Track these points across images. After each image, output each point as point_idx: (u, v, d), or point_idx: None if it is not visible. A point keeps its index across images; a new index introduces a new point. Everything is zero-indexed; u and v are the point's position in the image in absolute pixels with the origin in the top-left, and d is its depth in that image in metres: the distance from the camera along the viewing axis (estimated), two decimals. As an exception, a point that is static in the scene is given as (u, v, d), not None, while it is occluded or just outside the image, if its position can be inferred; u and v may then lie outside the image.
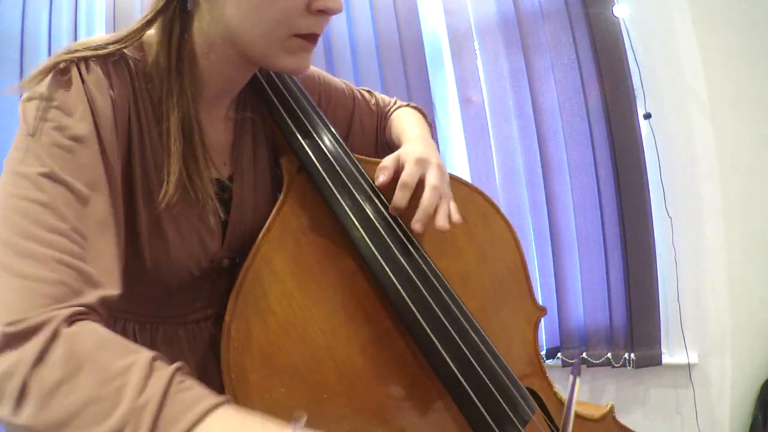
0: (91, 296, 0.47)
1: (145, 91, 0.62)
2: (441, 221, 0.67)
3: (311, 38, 0.62)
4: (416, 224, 0.67)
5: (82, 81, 0.55)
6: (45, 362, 0.42)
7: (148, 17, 0.60)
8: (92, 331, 0.45)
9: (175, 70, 0.61)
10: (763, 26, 1.78)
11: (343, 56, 1.86)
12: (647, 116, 1.78)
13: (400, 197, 0.68)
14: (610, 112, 1.78)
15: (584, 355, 1.84)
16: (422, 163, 0.70)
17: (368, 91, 0.94)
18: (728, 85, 1.79)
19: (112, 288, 0.50)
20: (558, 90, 1.81)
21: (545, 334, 1.88)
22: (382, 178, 0.70)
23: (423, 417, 0.67)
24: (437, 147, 0.89)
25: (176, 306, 0.71)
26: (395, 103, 0.95)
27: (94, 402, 0.40)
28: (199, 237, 0.67)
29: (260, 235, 0.65)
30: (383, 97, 0.95)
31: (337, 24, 1.86)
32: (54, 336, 0.43)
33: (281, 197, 0.69)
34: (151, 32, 0.63)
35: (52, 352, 0.42)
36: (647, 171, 1.78)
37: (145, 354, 0.43)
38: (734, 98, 1.79)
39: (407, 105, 0.95)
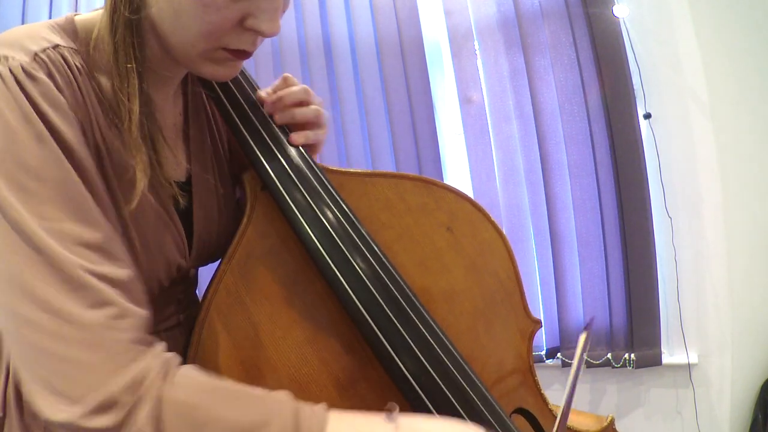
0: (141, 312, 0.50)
1: (90, 85, 0.54)
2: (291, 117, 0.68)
3: (240, 54, 0.56)
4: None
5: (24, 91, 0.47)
6: None
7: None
8: (189, 383, 0.47)
9: (130, 57, 0.53)
10: (763, 26, 1.78)
11: (343, 56, 1.86)
12: (647, 116, 1.78)
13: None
14: (610, 112, 1.77)
15: (584, 355, 1.83)
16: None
17: None
18: (728, 85, 1.79)
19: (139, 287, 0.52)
20: (558, 90, 1.81)
21: (545, 334, 1.88)
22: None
23: None
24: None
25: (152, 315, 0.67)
26: None
27: None
28: (165, 247, 0.61)
29: (222, 263, 0.60)
30: None
31: (337, 24, 1.86)
32: (158, 406, 0.44)
33: (245, 219, 0.63)
34: (87, 17, 0.57)
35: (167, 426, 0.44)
36: (647, 171, 1.78)
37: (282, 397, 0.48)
38: (734, 98, 1.79)
39: None
